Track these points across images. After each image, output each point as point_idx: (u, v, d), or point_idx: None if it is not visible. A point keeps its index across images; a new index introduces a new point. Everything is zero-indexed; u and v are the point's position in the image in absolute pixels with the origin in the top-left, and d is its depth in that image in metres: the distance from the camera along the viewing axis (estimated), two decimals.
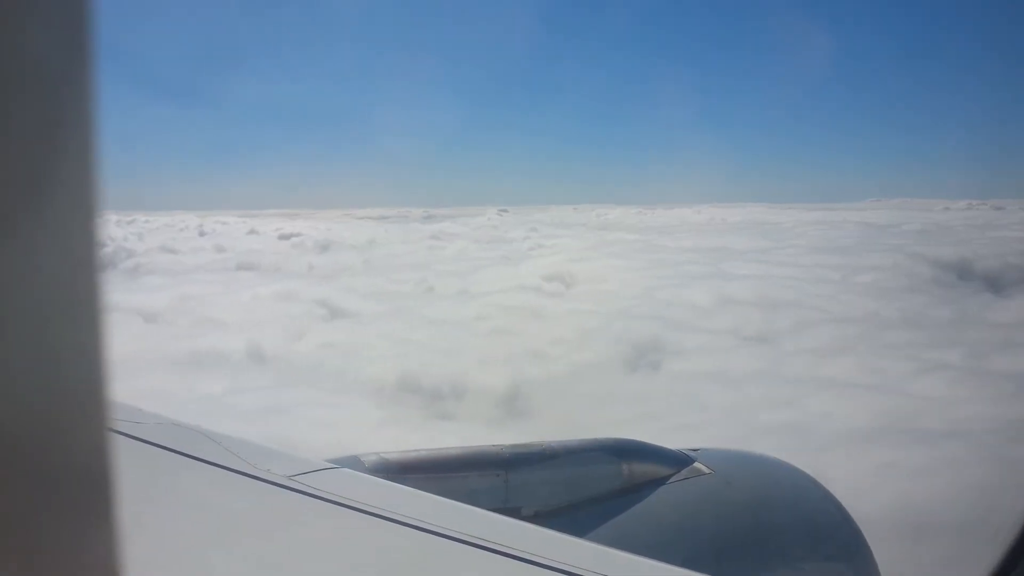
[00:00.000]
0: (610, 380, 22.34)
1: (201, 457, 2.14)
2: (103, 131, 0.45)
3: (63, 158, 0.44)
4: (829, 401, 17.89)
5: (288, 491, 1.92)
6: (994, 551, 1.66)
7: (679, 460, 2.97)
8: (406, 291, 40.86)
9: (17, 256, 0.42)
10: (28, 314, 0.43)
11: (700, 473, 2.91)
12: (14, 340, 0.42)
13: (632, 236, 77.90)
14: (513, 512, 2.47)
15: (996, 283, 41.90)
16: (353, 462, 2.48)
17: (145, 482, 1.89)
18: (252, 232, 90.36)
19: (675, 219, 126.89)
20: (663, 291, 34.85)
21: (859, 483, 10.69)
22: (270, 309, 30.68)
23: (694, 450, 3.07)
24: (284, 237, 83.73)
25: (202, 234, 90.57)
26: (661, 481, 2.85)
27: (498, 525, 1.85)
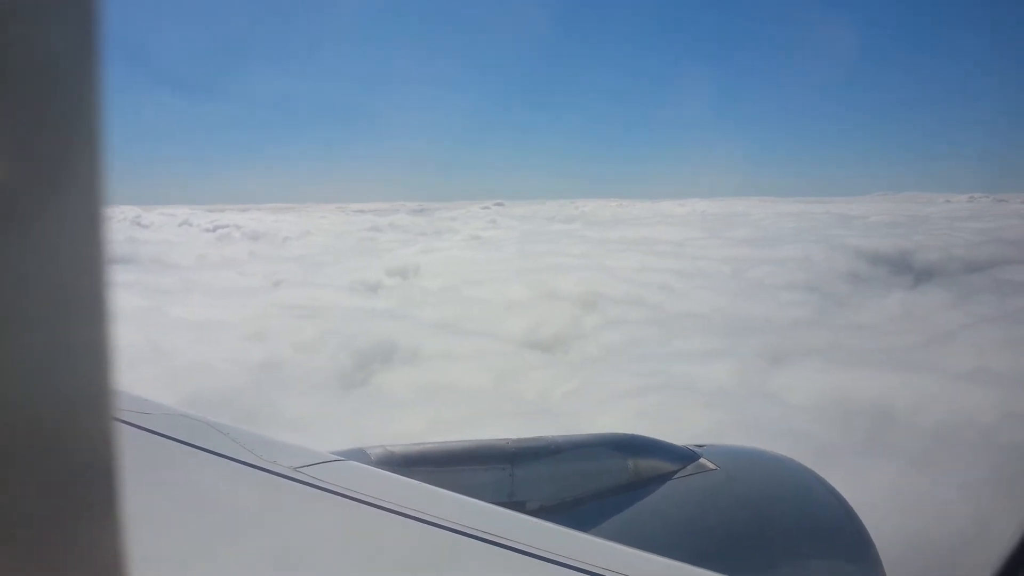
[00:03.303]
0: (294, 397, 17.85)
1: (207, 448, 2.08)
2: (109, 125, 0.44)
3: (71, 152, 0.43)
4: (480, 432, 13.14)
5: (294, 483, 1.87)
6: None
7: (684, 456, 2.86)
8: (242, 285, 36.81)
9: (24, 249, 0.42)
10: (34, 306, 0.43)
11: (705, 469, 2.82)
12: (20, 332, 0.42)
13: (566, 227, 73.83)
14: (518, 506, 2.44)
15: (920, 277, 37.24)
16: (359, 454, 2.42)
17: (152, 473, 1.88)
18: (184, 224, 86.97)
19: (649, 212, 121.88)
20: (489, 285, 30.33)
21: None
22: None
23: (699, 446, 2.97)
24: (212, 230, 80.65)
25: (138, 226, 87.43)
26: (666, 477, 2.77)
27: (503, 519, 1.82)
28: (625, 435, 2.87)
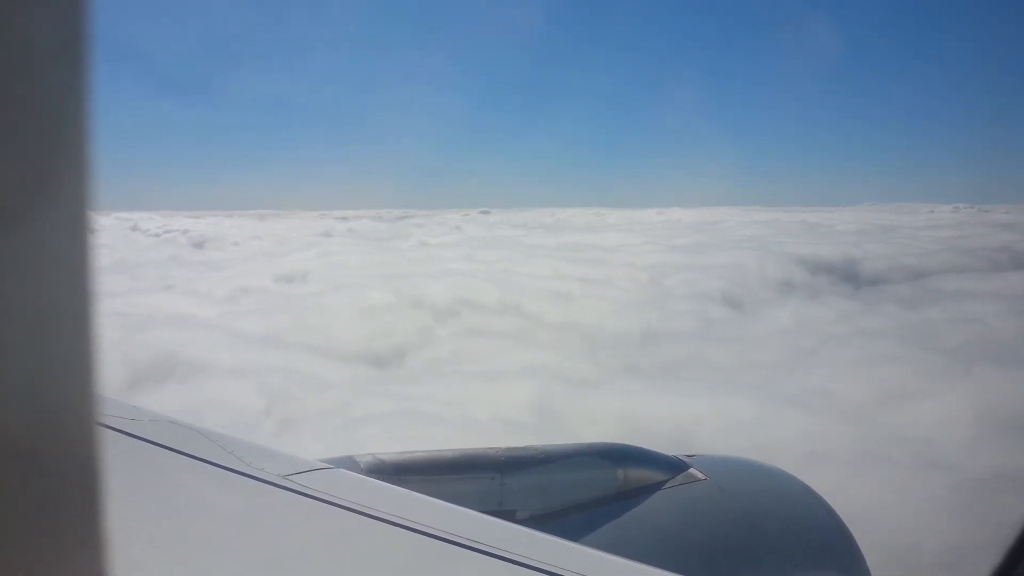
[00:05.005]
0: None
1: (196, 455, 2.05)
2: (98, 128, 0.44)
3: (57, 155, 0.43)
4: None
5: (282, 490, 1.86)
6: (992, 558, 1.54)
7: (674, 466, 2.86)
8: (123, 288, 34.35)
9: (9, 253, 0.41)
10: (17, 310, 0.42)
11: (695, 479, 2.83)
12: (2, 336, 0.41)
13: (522, 233, 71.94)
14: (507, 515, 2.43)
15: (854, 286, 34.88)
16: (348, 462, 2.42)
17: (139, 479, 1.87)
18: (134, 228, 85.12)
19: (625, 220, 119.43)
20: (360, 292, 27.84)
21: None
22: None
23: (689, 456, 2.98)
24: (158, 235, 78.96)
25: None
26: (656, 487, 2.77)
27: (492, 528, 1.81)
28: (615, 445, 2.85)
